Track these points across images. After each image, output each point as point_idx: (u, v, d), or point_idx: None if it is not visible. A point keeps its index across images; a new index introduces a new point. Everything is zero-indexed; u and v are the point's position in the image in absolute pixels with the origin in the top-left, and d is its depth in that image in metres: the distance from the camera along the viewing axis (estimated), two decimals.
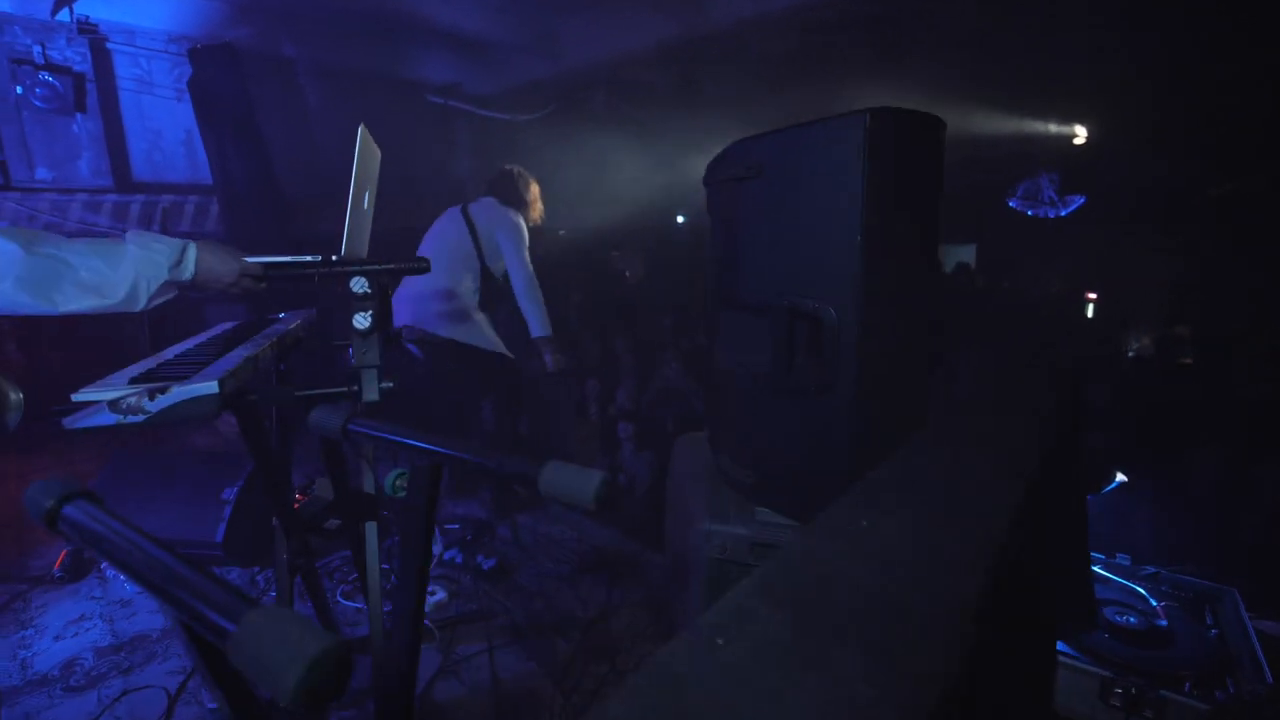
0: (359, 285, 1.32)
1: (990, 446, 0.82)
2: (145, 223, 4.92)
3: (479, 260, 2.92)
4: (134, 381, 1.15)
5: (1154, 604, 1.73)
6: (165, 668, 2.11)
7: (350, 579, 2.46)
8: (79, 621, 2.36)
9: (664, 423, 4.72)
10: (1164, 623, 1.66)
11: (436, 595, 2.39)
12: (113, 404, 1.08)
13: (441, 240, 2.96)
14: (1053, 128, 5.64)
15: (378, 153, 1.61)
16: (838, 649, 0.42)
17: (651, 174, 7.38)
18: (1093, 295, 8.81)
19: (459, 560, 2.59)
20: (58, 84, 4.29)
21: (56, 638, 2.27)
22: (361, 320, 1.32)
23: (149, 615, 2.41)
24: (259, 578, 2.62)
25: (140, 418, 1.09)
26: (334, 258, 1.35)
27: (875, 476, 0.74)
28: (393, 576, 2.49)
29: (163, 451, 3.16)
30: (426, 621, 2.25)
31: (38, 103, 4.23)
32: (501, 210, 2.95)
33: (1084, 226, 7.18)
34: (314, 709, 0.34)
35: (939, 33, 5.06)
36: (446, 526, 2.89)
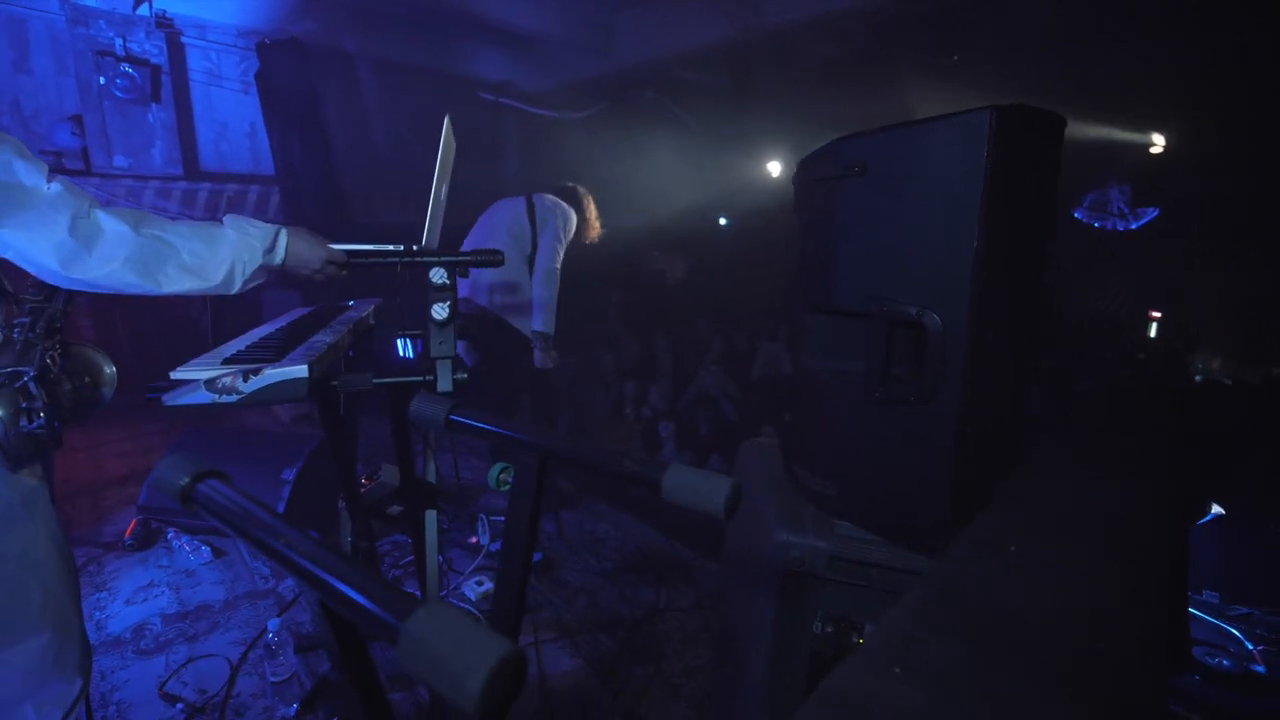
0: (439, 276, 1.33)
1: (1126, 467, 0.76)
2: (211, 210, 5.12)
3: (533, 247, 2.97)
4: (227, 362, 1.18)
5: (1250, 647, 1.62)
6: (227, 638, 2.17)
7: (402, 563, 2.49)
8: (148, 588, 2.45)
9: (699, 426, 4.69)
10: (1261, 668, 1.56)
11: (485, 585, 2.40)
12: (209, 383, 1.10)
13: (503, 222, 3.02)
14: (1128, 135, 5.38)
15: (454, 145, 1.62)
16: (1028, 681, 0.39)
17: (696, 175, 7.34)
18: (1157, 314, 8.40)
19: None
20: (136, 75, 4.48)
21: (128, 602, 2.36)
22: (440, 311, 1.33)
23: (211, 586, 2.49)
24: None
25: (234, 397, 1.11)
26: (414, 247, 1.36)
27: (1008, 494, 0.70)
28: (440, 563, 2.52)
29: (226, 430, 3.27)
30: (474, 610, 2.27)
31: (118, 93, 4.43)
32: (564, 206, 3.02)
33: (1155, 240, 6.84)
34: (492, 716, 0.32)
35: (1002, 33, 4.89)
36: (493, 518, 2.91)
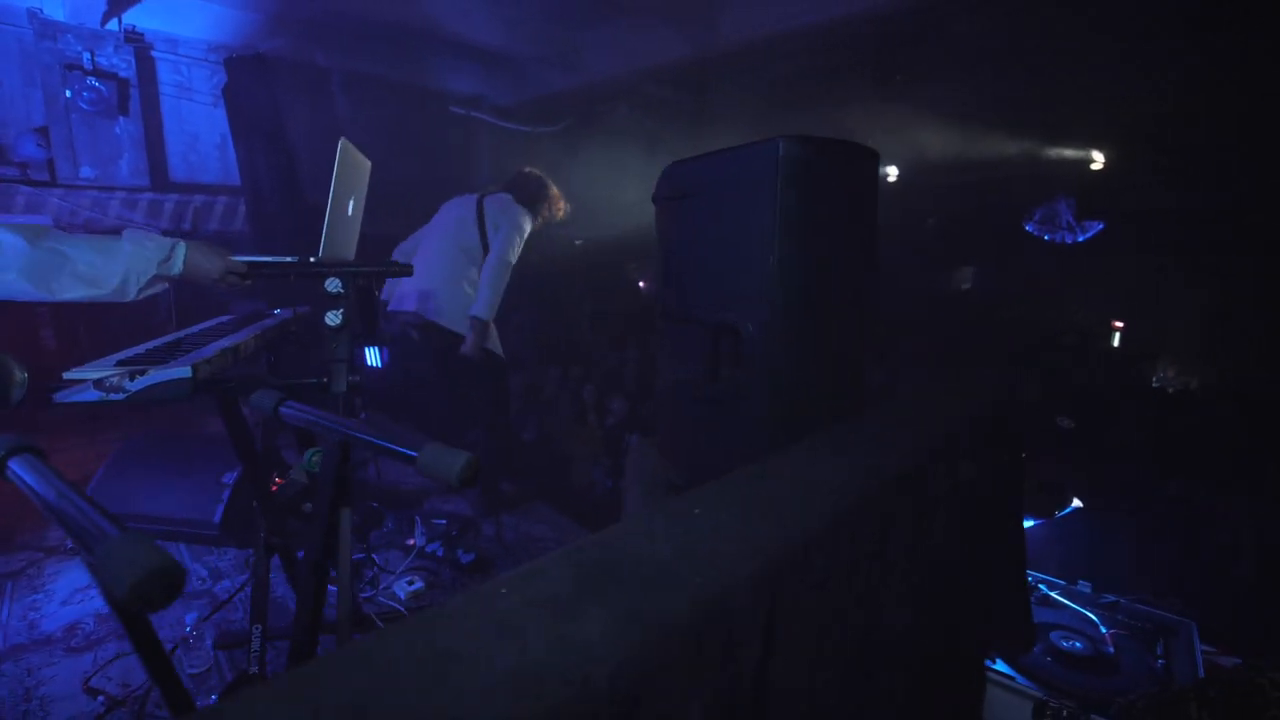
0: (333, 285, 1.43)
1: (858, 456, 0.88)
2: (177, 220, 5.19)
3: (484, 252, 2.95)
4: (120, 364, 1.27)
5: (1104, 631, 1.74)
6: (159, 636, 2.24)
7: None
8: (85, 589, 2.51)
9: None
10: (1110, 650, 1.67)
11: (415, 585, 2.48)
12: (97, 382, 1.19)
13: (451, 228, 3.02)
14: (1069, 152, 5.59)
15: (365, 163, 1.72)
16: (599, 606, 0.49)
17: None
18: (1119, 324, 8.63)
19: (440, 554, 2.69)
20: (104, 88, 4.57)
21: (64, 603, 2.42)
22: (333, 318, 1.43)
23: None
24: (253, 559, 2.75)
25: (121, 395, 1.20)
26: (311, 259, 1.46)
27: (736, 476, 0.81)
28: (374, 560, 2.60)
29: (174, 436, 3.33)
30: (403, 608, 2.35)
31: (84, 105, 4.52)
32: (513, 206, 2.99)
33: (1111, 255, 7.06)
34: (142, 609, 0.42)
35: (951, 54, 5.08)
36: (433, 521, 2.99)
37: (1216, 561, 2.46)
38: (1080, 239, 5.92)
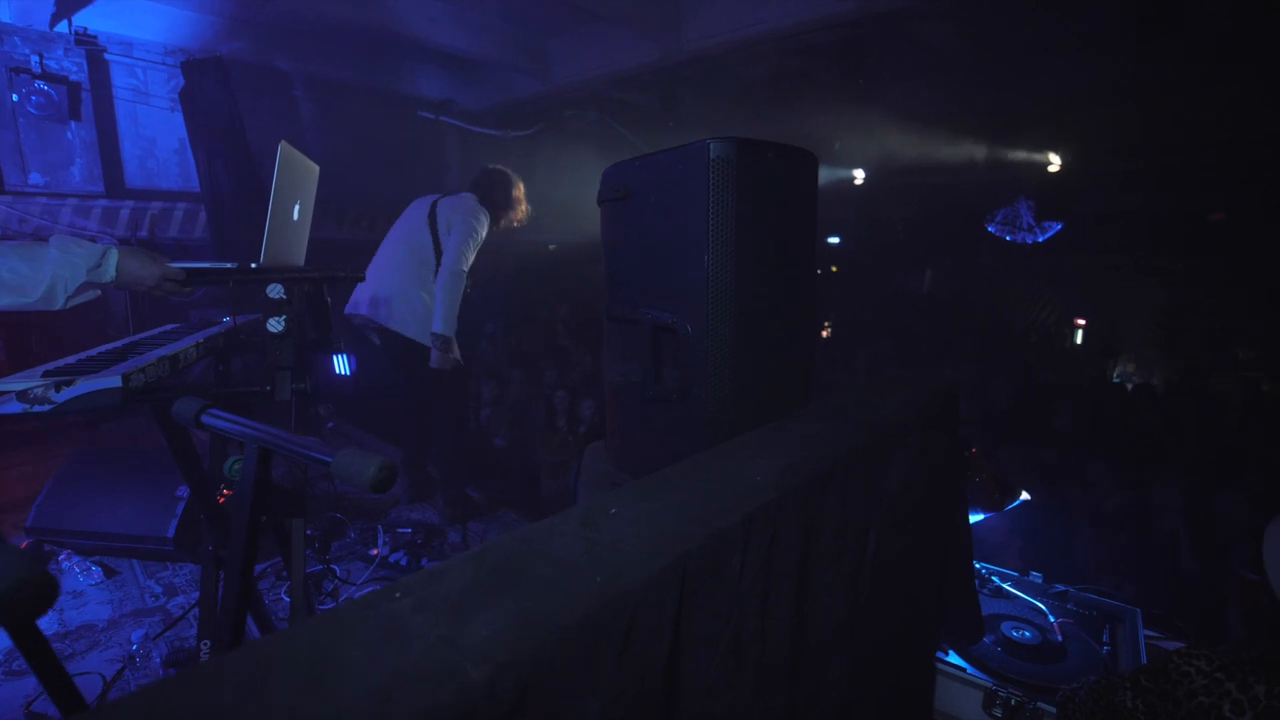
0: (275, 291, 1.41)
1: (789, 451, 0.88)
2: (134, 228, 5.05)
3: (436, 255, 2.90)
4: (48, 374, 1.23)
5: (1052, 620, 1.78)
6: (106, 655, 2.17)
7: (283, 573, 2.51)
8: None
9: None
10: (1059, 638, 1.71)
11: None
12: (21, 394, 1.15)
13: (405, 232, 2.98)
14: (1027, 154, 5.74)
15: (312, 167, 1.70)
16: (492, 607, 0.49)
17: None
18: (1081, 321, 8.88)
19: (404, 563, 2.65)
20: (53, 92, 4.44)
21: None
22: (275, 324, 1.40)
23: (98, 606, 2.47)
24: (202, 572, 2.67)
25: (46, 407, 1.16)
26: (252, 265, 1.43)
27: (666, 471, 0.81)
28: (335, 573, 2.55)
29: (125, 449, 3.24)
30: None
31: (32, 110, 4.38)
32: (468, 204, 2.92)
33: (1072, 255, 7.28)
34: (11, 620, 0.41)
35: (915, 60, 5.19)
36: (399, 530, 2.95)
37: (1162, 550, 2.54)
38: (1040, 239, 6.08)
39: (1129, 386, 5.97)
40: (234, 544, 0.85)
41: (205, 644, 1.69)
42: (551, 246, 8.90)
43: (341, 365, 5.46)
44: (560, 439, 5.08)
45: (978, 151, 5.76)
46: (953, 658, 1.62)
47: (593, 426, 5.07)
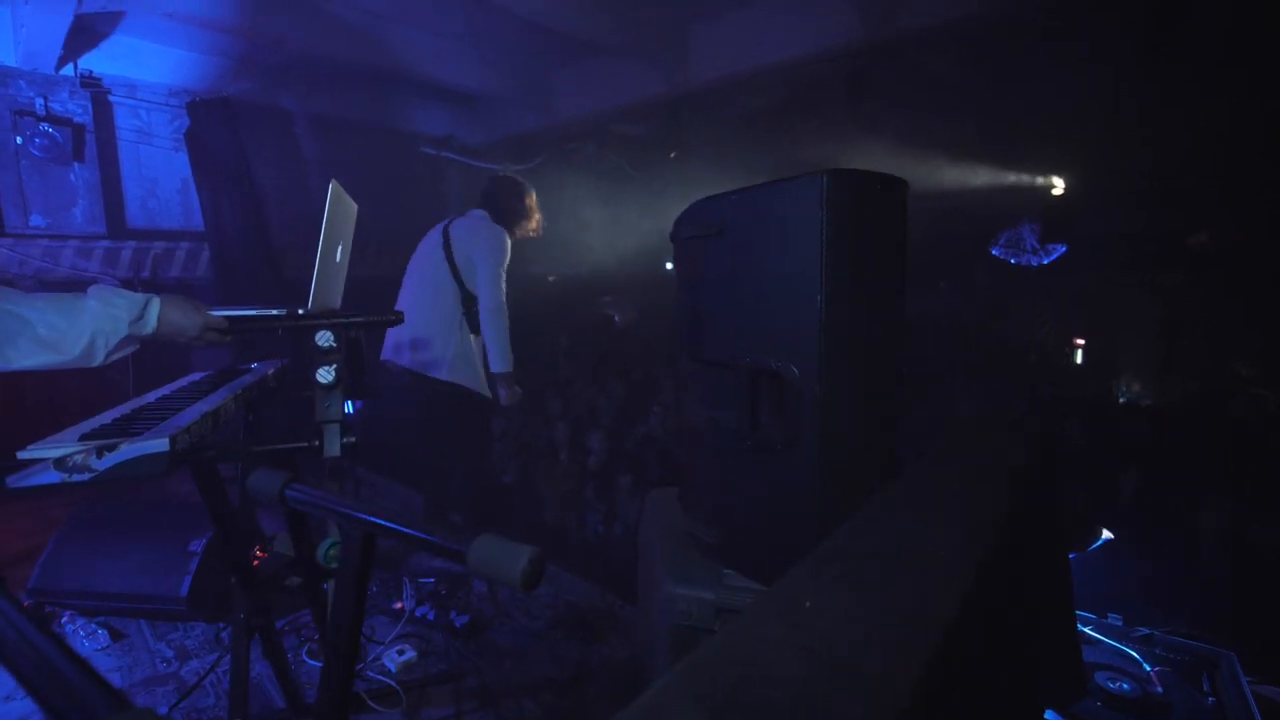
0: (324, 339, 1.31)
1: (951, 513, 0.79)
2: (136, 268, 4.95)
3: (455, 283, 2.77)
4: (85, 438, 1.12)
5: (1148, 669, 1.67)
6: None
7: (314, 637, 2.36)
8: None
9: (651, 470, 4.66)
10: (1159, 689, 1.60)
11: (407, 654, 2.29)
12: (58, 462, 1.04)
13: (420, 267, 2.87)
14: (1031, 179, 5.80)
15: (352, 206, 1.62)
16: None
17: (639, 222, 7.53)
18: (1081, 341, 8.91)
19: (431, 617, 2.50)
20: (57, 135, 4.38)
21: (7, 698, 2.15)
22: (325, 374, 1.30)
23: (106, 674, 2.29)
24: (224, 634, 2.51)
25: (87, 476, 1.05)
26: (300, 311, 1.34)
27: (828, 546, 0.72)
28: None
29: (133, 500, 3.08)
30: (394, 683, 2.15)
31: (36, 152, 4.31)
32: (484, 225, 2.81)
33: (1071, 276, 7.32)
34: None
35: (917, 87, 5.26)
36: (421, 580, 2.80)
37: (1240, 584, 2.44)
38: (1045, 261, 6.10)
39: (1143, 405, 5.94)
40: (336, 642, 0.74)
41: None
42: (551, 278, 8.87)
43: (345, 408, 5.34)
44: (563, 471, 4.94)
45: (981, 177, 5.82)
46: (1051, 716, 1.51)
47: (602, 459, 4.94)
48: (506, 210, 2.88)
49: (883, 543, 0.71)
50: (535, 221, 2.98)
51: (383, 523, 0.67)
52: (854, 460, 1.05)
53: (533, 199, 2.97)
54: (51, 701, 0.39)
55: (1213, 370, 6.59)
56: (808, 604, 0.58)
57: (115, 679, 2.27)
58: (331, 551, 0.76)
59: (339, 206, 1.46)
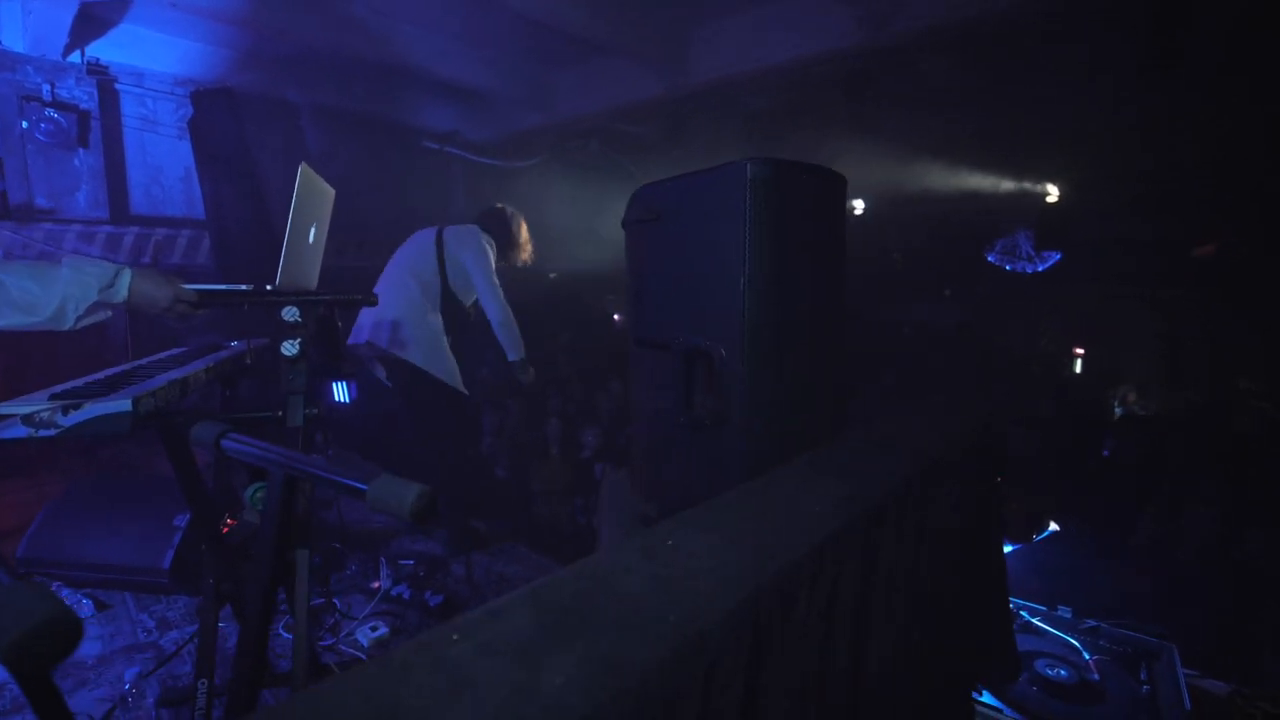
0: (290, 314, 1.37)
1: (841, 479, 0.84)
2: (137, 254, 5.04)
3: (441, 282, 2.93)
4: (55, 398, 1.18)
5: (1087, 657, 1.71)
6: (95, 694, 2.07)
7: (282, 607, 2.42)
8: None
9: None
10: (1096, 677, 1.64)
11: (380, 630, 2.35)
12: (25, 418, 1.11)
13: (408, 259, 3.00)
14: (1026, 185, 5.83)
15: (328, 191, 1.68)
16: (563, 652, 0.44)
17: None
18: (1080, 350, 8.90)
19: (406, 596, 2.56)
20: (62, 120, 4.47)
21: None
22: (289, 347, 1.37)
23: (88, 642, 2.36)
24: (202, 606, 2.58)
25: (52, 431, 1.12)
26: (268, 287, 1.40)
27: (716, 501, 0.77)
28: (336, 607, 2.46)
29: (123, 476, 3.16)
30: (364, 656, 2.21)
31: (41, 137, 4.40)
32: (474, 234, 2.97)
33: (1072, 284, 7.32)
34: (31, 667, 0.36)
35: (916, 92, 5.29)
36: (401, 562, 2.86)
37: (1190, 582, 2.47)
38: (1040, 269, 6.12)
39: (1139, 414, 5.94)
40: (256, 579, 0.80)
41: (202, 683, 1.61)
42: (552, 275, 8.94)
43: (341, 393, 5.41)
44: (552, 468, 4.99)
45: (978, 181, 5.84)
46: (987, 698, 1.55)
47: (594, 453, 5.00)
48: (498, 237, 3.07)
49: (762, 503, 0.76)
50: (526, 253, 3.20)
51: (298, 466, 0.73)
52: (781, 436, 1.09)
53: (525, 230, 3.18)
54: None
55: (1214, 381, 6.58)
56: (669, 542, 0.63)
57: (95, 646, 2.34)
58: (258, 495, 0.82)
59: (310, 190, 1.52)
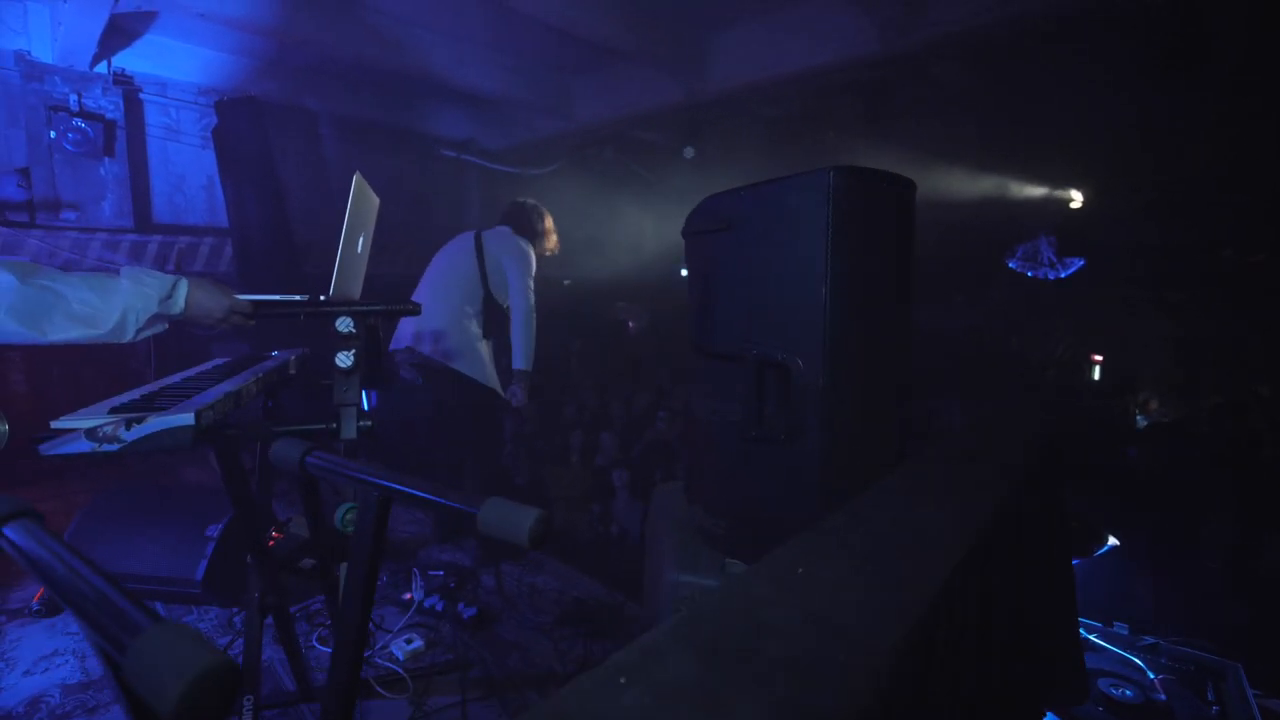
0: (344, 325, 1.36)
1: (946, 496, 0.81)
2: (161, 262, 5.07)
3: (483, 287, 2.95)
4: (114, 411, 1.17)
5: (1151, 677, 1.66)
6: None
7: (329, 623, 2.40)
8: (51, 657, 2.30)
9: (653, 474, 4.68)
10: (1162, 697, 1.59)
11: (414, 643, 2.32)
12: (89, 432, 1.09)
13: (449, 265, 3.01)
14: (1049, 191, 5.77)
15: (374, 200, 1.67)
16: (745, 699, 0.42)
17: (655, 227, 7.58)
18: (1099, 357, 8.80)
19: (439, 608, 2.53)
20: (89, 129, 4.51)
21: (26, 673, 2.21)
22: (344, 359, 1.35)
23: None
24: (237, 619, 2.57)
25: (115, 446, 1.10)
26: (321, 298, 1.39)
27: (822, 524, 0.74)
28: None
29: (153, 486, 3.15)
30: (401, 670, 2.19)
31: (68, 146, 4.44)
32: (513, 239, 3.00)
33: (1090, 289, 7.24)
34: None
35: (936, 98, 5.26)
36: (430, 573, 2.84)
37: (1249, 597, 2.41)
38: (1062, 275, 6.06)
39: (1163, 422, 5.85)
40: (349, 603, 0.77)
41: (248, 699, 1.59)
42: (566, 282, 8.94)
43: (361, 400, 5.41)
44: (571, 475, 4.96)
45: (997, 188, 5.80)
46: (1050, 717, 1.50)
47: (610, 460, 4.96)
48: (526, 231, 3.08)
49: (876, 523, 0.73)
50: (552, 242, 3.21)
51: (398, 486, 0.71)
52: (857, 451, 1.07)
53: (549, 221, 3.18)
54: (98, 621, 0.43)
55: (1233, 387, 6.48)
56: (800, 570, 0.60)
57: None
58: (349, 516, 0.80)
59: (362, 199, 1.51)
